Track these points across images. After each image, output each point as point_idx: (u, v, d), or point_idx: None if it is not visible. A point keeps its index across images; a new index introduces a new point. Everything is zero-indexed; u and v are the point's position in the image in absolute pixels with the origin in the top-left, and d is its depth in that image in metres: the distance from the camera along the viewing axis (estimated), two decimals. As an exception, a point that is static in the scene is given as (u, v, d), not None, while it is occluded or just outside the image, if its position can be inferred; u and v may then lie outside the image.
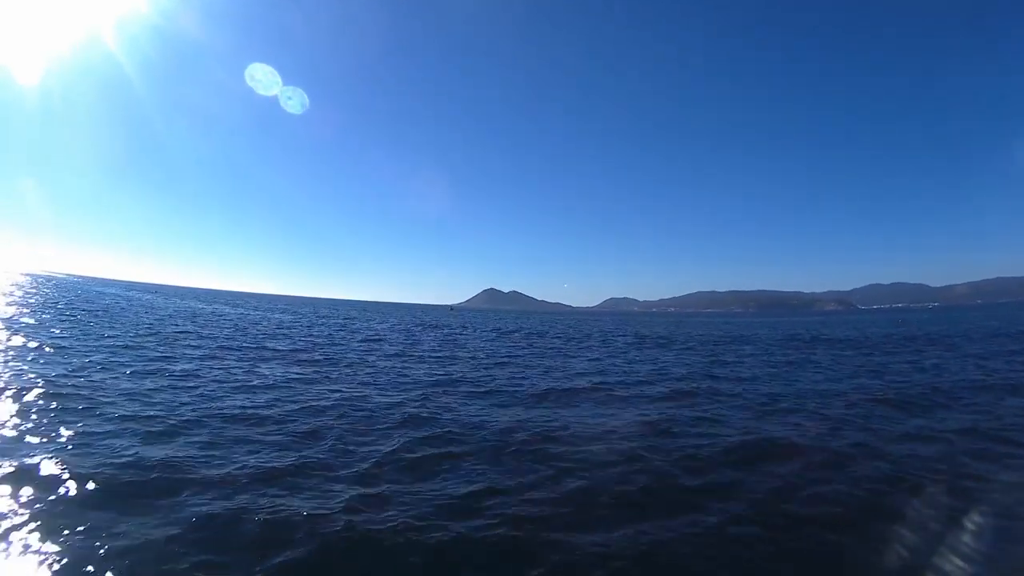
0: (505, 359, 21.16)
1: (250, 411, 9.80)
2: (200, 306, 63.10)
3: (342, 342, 25.04)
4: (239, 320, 38.99)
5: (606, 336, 38.90)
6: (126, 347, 17.67)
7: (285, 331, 30.90)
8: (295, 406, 10.47)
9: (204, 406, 10.04)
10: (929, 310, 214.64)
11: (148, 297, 77.47)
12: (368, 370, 16.16)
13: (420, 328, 43.99)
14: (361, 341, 26.87)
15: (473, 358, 21.11)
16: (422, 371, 16.50)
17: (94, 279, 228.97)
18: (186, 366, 14.50)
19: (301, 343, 23.51)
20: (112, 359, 14.72)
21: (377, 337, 29.85)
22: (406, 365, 17.74)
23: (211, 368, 14.55)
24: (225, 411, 9.71)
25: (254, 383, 12.74)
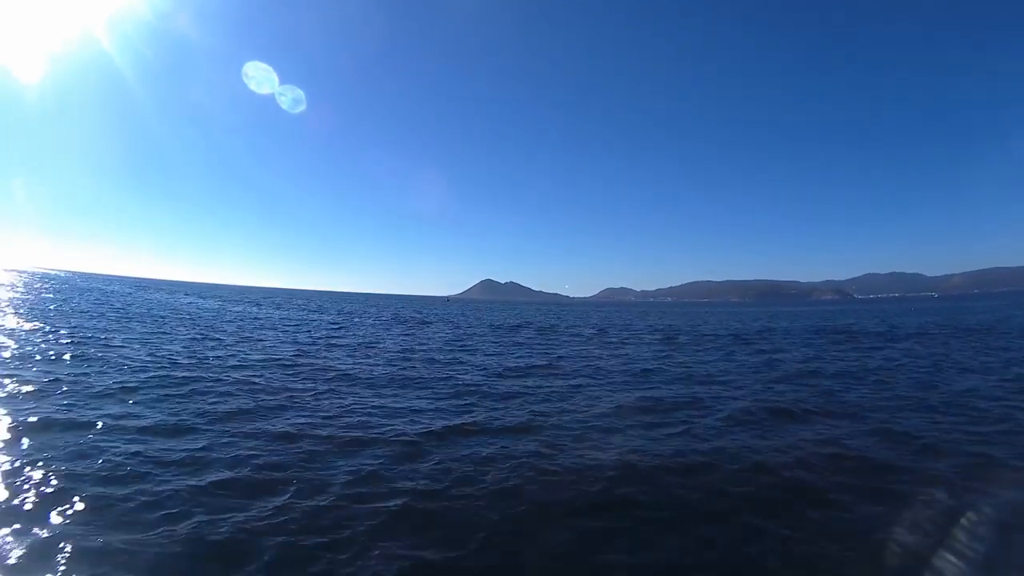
0: (530, 373, 16.05)
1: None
2: (185, 300, 59.17)
3: (317, 354, 18.91)
4: (213, 318, 34.15)
5: (629, 332, 34.12)
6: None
7: (255, 336, 26.05)
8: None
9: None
10: (934, 299, 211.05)
11: (129, 292, 72.84)
12: (333, 419, 9.43)
13: (412, 326, 39.16)
14: (346, 350, 21.86)
15: (495, 392, 16.07)
16: (417, 415, 10.16)
17: (92, 275, 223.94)
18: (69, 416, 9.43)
19: (258, 360, 16.38)
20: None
21: (364, 341, 24.71)
22: (395, 403, 10.87)
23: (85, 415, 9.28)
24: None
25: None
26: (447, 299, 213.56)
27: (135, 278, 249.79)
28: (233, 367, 14.32)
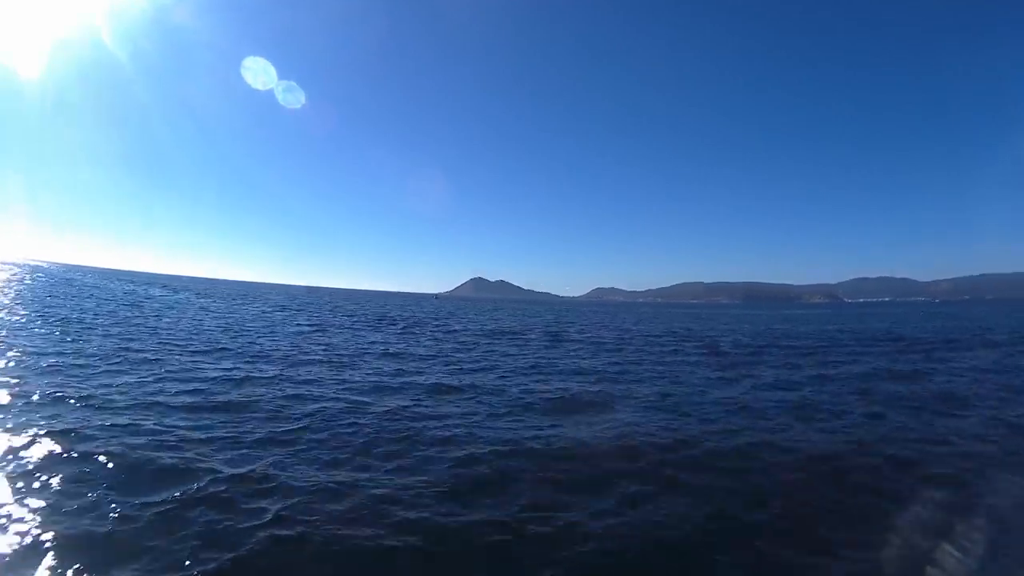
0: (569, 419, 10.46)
1: None
2: (158, 293, 55.47)
3: (243, 383, 12.54)
4: (159, 317, 28.25)
5: (655, 341, 28.49)
6: None
7: (191, 346, 20.33)
8: None
9: None
10: (935, 304, 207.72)
11: (101, 283, 67.08)
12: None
13: (397, 331, 33.42)
14: (287, 385, 16.16)
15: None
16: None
17: (83, 268, 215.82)
18: None
19: (170, 401, 11.62)
20: None
21: (332, 357, 19.00)
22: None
23: None
24: None
25: None
26: (436, 297, 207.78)
27: (129, 272, 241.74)
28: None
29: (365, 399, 10.90)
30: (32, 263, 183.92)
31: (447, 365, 16.92)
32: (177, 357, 14.23)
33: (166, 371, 12.31)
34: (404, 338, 25.58)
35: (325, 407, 10.02)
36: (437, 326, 34.85)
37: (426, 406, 10.68)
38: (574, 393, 12.65)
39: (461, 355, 19.65)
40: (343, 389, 11.84)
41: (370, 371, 14.56)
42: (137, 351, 15.17)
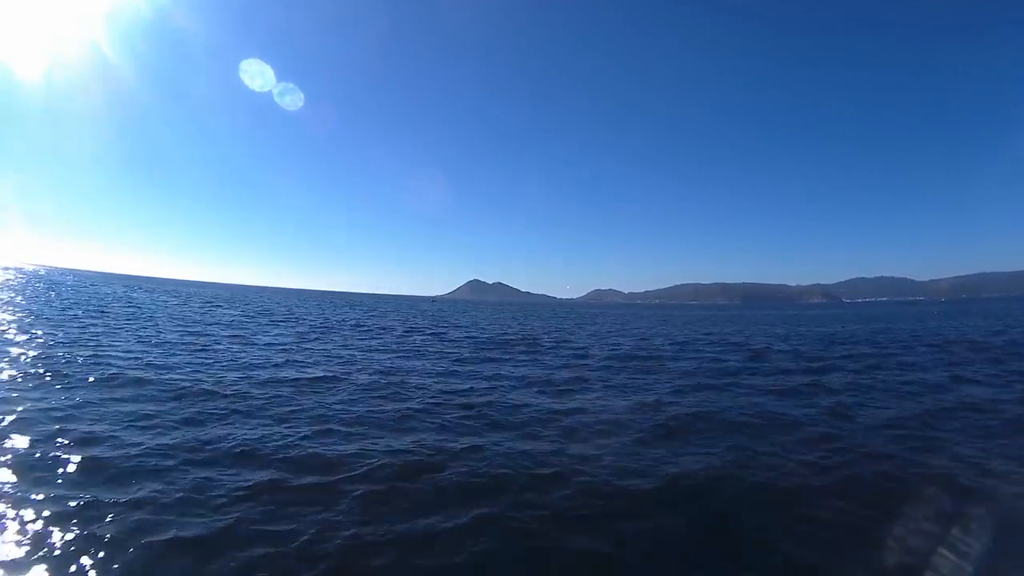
0: None
1: None
2: (138, 296, 51.82)
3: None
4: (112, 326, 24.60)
5: (680, 351, 24.75)
6: None
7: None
8: None
9: None
10: (941, 303, 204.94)
11: (87, 287, 63.86)
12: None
13: (386, 342, 29.84)
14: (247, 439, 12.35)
15: None
16: None
17: (86, 272, 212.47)
18: None
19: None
20: None
21: (292, 400, 15.37)
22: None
23: None
24: None
25: None
26: (433, 300, 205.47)
27: (127, 275, 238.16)
28: None
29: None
30: (30, 267, 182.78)
31: (456, 405, 13.28)
32: (94, 408, 10.04)
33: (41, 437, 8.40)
34: (397, 353, 21.95)
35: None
36: (435, 335, 31.27)
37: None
38: (686, 477, 7.61)
39: (473, 382, 15.93)
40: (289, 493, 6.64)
41: (346, 430, 10.69)
42: (49, 384, 11.49)
